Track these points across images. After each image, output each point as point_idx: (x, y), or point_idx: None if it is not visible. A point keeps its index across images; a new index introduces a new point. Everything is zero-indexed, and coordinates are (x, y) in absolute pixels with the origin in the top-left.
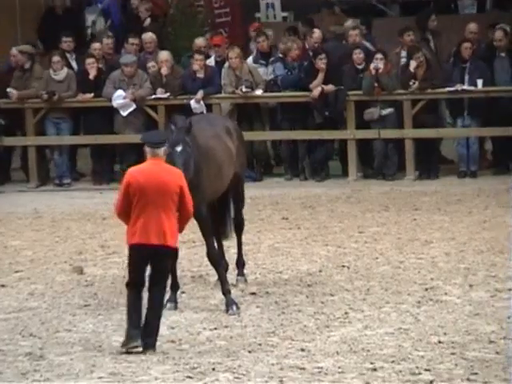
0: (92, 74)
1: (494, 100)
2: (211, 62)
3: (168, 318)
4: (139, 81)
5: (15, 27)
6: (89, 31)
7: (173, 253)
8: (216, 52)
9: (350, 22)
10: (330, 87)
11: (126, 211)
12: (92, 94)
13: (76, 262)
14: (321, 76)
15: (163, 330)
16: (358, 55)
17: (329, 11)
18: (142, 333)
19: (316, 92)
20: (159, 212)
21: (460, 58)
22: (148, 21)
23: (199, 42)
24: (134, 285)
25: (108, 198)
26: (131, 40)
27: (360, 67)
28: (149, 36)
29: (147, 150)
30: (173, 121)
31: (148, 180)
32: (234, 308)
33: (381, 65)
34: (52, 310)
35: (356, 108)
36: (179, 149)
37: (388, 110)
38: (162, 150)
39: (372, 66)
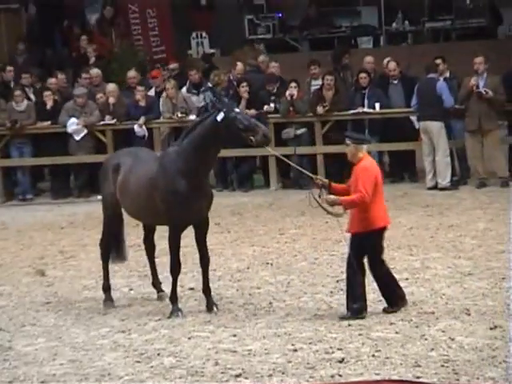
0: (49, 104)
1: (390, 120)
2: (152, 92)
3: (119, 312)
4: (90, 109)
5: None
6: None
7: None
8: (154, 83)
9: (262, 57)
10: (252, 112)
11: None
12: (49, 122)
13: (38, 265)
14: (243, 102)
15: (115, 321)
16: (270, 84)
17: (250, 47)
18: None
19: None
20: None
21: (359, 86)
22: (93, 59)
23: (130, 74)
24: (382, 261)
25: (65, 211)
26: (84, 75)
27: (273, 91)
28: (95, 71)
29: (358, 147)
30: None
31: (379, 171)
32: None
33: (295, 92)
34: (18, 307)
35: (275, 129)
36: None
37: (302, 130)
38: (365, 147)
39: (287, 92)
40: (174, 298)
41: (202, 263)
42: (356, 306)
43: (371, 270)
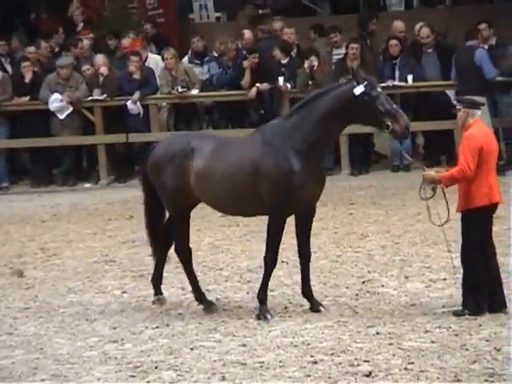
0: (28, 77)
1: (424, 95)
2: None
3: (109, 319)
4: (75, 83)
5: None
6: None
7: None
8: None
9: (278, 24)
10: (264, 86)
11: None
12: (28, 98)
13: (16, 265)
14: (247, 73)
15: (105, 330)
16: (277, 54)
17: (252, 10)
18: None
19: (252, 92)
20: (494, 170)
21: (389, 55)
22: (81, 25)
23: (125, 42)
24: (485, 249)
25: (47, 201)
26: (78, 45)
27: (284, 62)
28: (86, 43)
29: (470, 111)
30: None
31: (491, 140)
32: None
33: (315, 62)
34: None
35: (291, 105)
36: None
37: None
38: (479, 113)
39: (306, 64)
40: (263, 296)
41: (302, 260)
42: (473, 301)
43: (462, 259)
